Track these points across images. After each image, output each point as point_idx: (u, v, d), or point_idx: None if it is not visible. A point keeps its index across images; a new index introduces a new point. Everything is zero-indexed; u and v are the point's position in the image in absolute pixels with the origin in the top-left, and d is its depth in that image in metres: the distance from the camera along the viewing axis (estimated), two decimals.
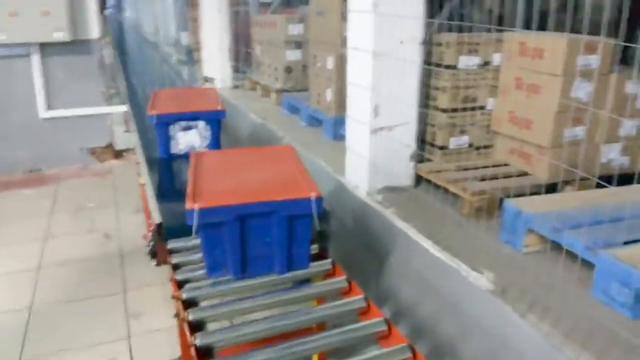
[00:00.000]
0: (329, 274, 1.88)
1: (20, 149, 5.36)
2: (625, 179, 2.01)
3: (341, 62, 3.44)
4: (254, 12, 5.65)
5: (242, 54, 5.70)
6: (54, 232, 4.11)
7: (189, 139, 2.95)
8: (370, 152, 2.41)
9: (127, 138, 5.78)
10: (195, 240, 2.05)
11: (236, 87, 5.52)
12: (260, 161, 2.07)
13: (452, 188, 2.26)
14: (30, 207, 4.70)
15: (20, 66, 5.12)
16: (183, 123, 2.91)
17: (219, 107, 3.03)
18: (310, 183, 1.78)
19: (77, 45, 5.23)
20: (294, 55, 4.62)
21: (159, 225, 2.18)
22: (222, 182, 1.81)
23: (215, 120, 2.98)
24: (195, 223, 1.60)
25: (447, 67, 2.44)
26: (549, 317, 1.45)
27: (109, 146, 5.87)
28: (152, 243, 2.16)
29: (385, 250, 2.18)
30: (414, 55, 2.34)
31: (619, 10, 2.09)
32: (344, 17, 3.90)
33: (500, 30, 2.46)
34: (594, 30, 2.16)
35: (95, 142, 5.77)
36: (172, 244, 2.05)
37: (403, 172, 2.49)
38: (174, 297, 1.77)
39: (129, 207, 4.52)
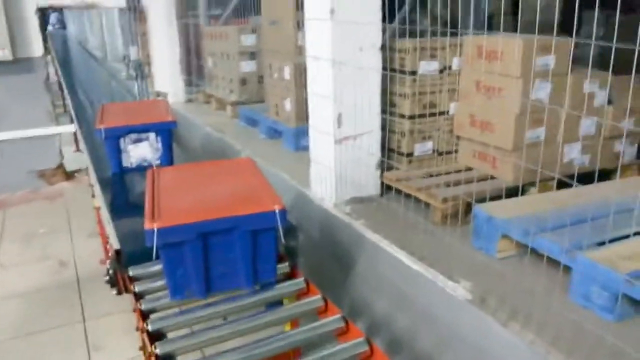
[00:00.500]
0: (302, 294, 1.81)
1: None
2: (586, 177, 2.03)
3: (298, 71, 3.39)
4: (204, 23, 5.54)
5: (194, 67, 5.58)
6: (2, 262, 3.88)
7: (140, 151, 2.91)
8: (335, 162, 2.36)
9: (77, 158, 5.55)
10: (158, 266, 1.94)
11: (190, 100, 5.39)
12: (220, 175, 2.01)
13: (420, 196, 2.23)
14: None
15: None
16: (133, 136, 2.87)
17: (169, 118, 3.00)
18: (273, 195, 1.74)
19: (19, 64, 4.99)
20: (248, 66, 4.54)
21: (118, 252, 2.06)
22: (181, 199, 1.74)
23: (167, 131, 2.94)
24: (155, 244, 1.54)
25: (408, 73, 2.42)
26: (531, 324, 1.42)
27: (59, 167, 5.63)
28: (111, 271, 2.03)
29: (357, 263, 2.13)
30: (374, 62, 2.31)
31: (567, 10, 2.10)
32: (298, 25, 3.86)
33: (454, 34, 2.47)
34: (547, 31, 2.18)
35: (44, 164, 5.52)
36: (133, 271, 1.94)
37: (370, 181, 2.44)
38: (139, 329, 1.67)
39: (83, 231, 4.33)
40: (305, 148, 3.47)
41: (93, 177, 3.06)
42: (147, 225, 1.54)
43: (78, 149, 5.64)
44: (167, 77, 5.26)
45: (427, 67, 2.45)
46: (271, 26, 4.17)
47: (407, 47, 2.42)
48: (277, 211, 1.65)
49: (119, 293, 2.03)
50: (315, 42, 2.36)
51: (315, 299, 1.71)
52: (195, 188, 1.87)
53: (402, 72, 2.44)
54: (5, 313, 3.18)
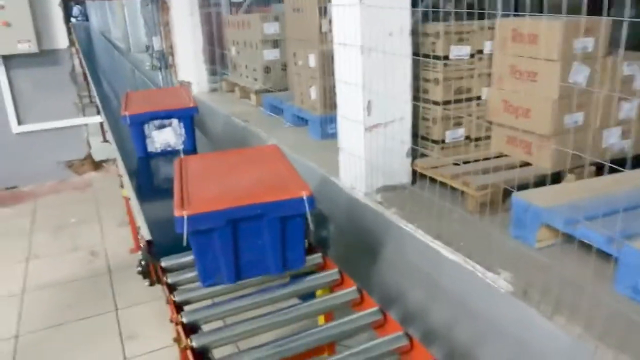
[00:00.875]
0: (336, 285, 1.78)
1: None
2: (626, 163, 1.96)
3: (324, 59, 3.35)
4: (226, 12, 5.51)
5: (217, 56, 5.56)
6: (36, 253, 3.93)
7: (164, 137, 2.98)
8: (365, 150, 2.32)
9: (105, 148, 5.60)
10: (190, 256, 1.93)
11: (213, 90, 5.39)
12: (247, 163, 2.01)
13: (453, 184, 2.18)
14: (9, 226, 4.51)
15: None
16: (157, 122, 2.94)
17: (191, 104, 3.04)
18: (300, 182, 1.73)
19: (45, 57, 5.02)
20: (271, 54, 4.51)
21: (149, 243, 2.06)
22: (209, 187, 1.75)
23: (189, 117, 2.99)
24: (185, 231, 1.54)
25: (439, 58, 2.36)
26: (578, 317, 1.37)
27: (87, 158, 5.68)
28: (143, 262, 2.03)
29: (389, 253, 2.10)
30: (404, 48, 2.26)
31: None
32: (322, 12, 3.81)
33: (482, 17, 2.39)
34: (574, 12, 2.09)
35: (72, 154, 5.57)
36: (165, 262, 1.93)
37: (400, 169, 2.40)
38: (173, 321, 1.66)
39: (112, 220, 4.36)
40: (332, 136, 3.44)
41: (122, 168, 3.07)
42: (177, 212, 1.54)
43: (105, 140, 5.68)
44: (190, 66, 5.26)
45: (458, 51, 2.38)
46: (294, 13, 4.12)
47: (438, 31, 2.36)
48: (305, 198, 1.63)
49: (151, 284, 2.03)
50: (343, 28, 2.31)
51: (350, 291, 1.68)
52: (223, 176, 1.87)
53: (433, 57, 2.38)
54: (38, 303, 3.23)
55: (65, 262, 3.71)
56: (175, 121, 2.98)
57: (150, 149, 2.97)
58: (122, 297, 3.17)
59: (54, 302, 3.22)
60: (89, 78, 6.32)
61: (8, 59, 4.90)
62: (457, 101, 2.41)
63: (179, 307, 1.70)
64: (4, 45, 4.68)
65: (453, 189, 2.21)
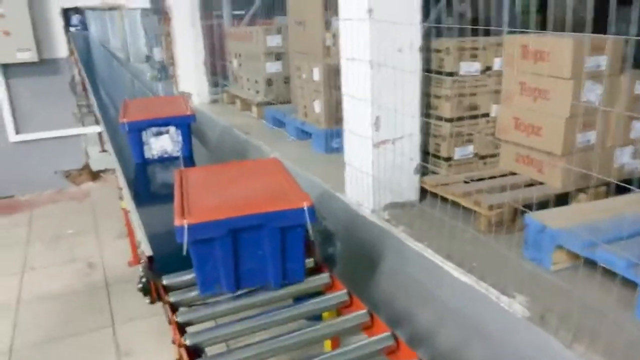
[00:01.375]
0: (345, 307, 1.73)
1: None
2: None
3: (328, 72, 3.31)
4: (228, 24, 5.49)
5: (218, 68, 5.53)
6: (32, 264, 3.87)
7: (161, 144, 3.04)
8: (373, 167, 2.28)
9: (103, 158, 5.55)
10: (193, 274, 1.88)
11: (214, 101, 5.35)
12: (247, 174, 2.02)
13: (464, 202, 2.14)
14: (4, 237, 4.45)
15: None
16: (154, 129, 3.01)
17: (188, 112, 3.11)
18: (300, 193, 1.73)
19: (44, 66, 4.99)
20: (274, 67, 4.48)
21: (150, 259, 2.00)
22: (209, 197, 1.76)
23: (186, 125, 3.07)
24: (185, 240, 1.55)
25: (448, 74, 2.33)
26: (598, 346, 1.32)
27: (85, 167, 5.63)
28: (143, 279, 1.97)
29: (398, 273, 2.04)
30: (413, 63, 2.22)
31: (597, 7, 1.96)
32: (326, 26, 3.79)
33: (487, 34, 2.37)
34: (578, 29, 2.07)
35: (70, 164, 5.53)
36: (167, 280, 1.87)
37: (408, 186, 2.36)
38: (176, 342, 1.60)
39: (110, 232, 4.31)
40: (336, 150, 3.40)
41: (121, 180, 3.02)
42: (177, 222, 1.55)
43: (103, 149, 5.63)
44: (191, 77, 5.22)
45: (468, 67, 2.35)
46: (298, 27, 4.09)
47: (447, 47, 2.33)
48: (305, 208, 1.63)
49: (152, 302, 1.97)
50: (351, 43, 2.27)
51: (359, 314, 1.62)
52: (223, 187, 1.88)
53: (442, 73, 2.34)
54: (34, 316, 3.16)
55: (62, 274, 3.65)
56: (172, 128, 3.03)
57: (147, 155, 3.02)
58: (119, 312, 3.10)
59: (49, 315, 3.15)
60: (88, 87, 6.28)
61: (7, 68, 4.87)
62: (467, 118, 2.37)
63: (181, 328, 1.64)
64: (3, 53, 4.65)
65: (463, 207, 2.16)
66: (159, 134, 3.03)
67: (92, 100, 5.37)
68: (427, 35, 2.36)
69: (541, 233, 1.75)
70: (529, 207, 1.89)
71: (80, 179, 5.57)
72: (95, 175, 5.68)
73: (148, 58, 7.59)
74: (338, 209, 2.54)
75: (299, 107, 3.72)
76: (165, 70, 6.37)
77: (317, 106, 3.42)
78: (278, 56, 4.46)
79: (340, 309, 1.76)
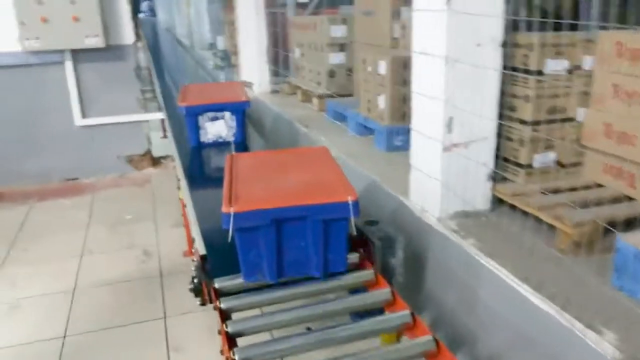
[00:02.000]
0: (408, 329, 1.58)
1: (57, 157, 5.22)
2: None
3: (395, 66, 3.14)
4: (292, 13, 5.38)
5: (280, 58, 5.44)
6: (90, 248, 3.92)
7: (216, 128, 3.11)
8: (442, 171, 2.10)
9: (165, 145, 5.59)
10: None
11: (275, 91, 5.27)
12: (295, 163, 2.02)
13: (542, 216, 1.93)
14: (67, 219, 4.54)
15: (54, 74, 4.98)
16: (210, 114, 3.08)
17: (243, 98, 3.15)
18: (346, 186, 1.72)
19: (110, 51, 5.05)
20: (337, 58, 4.33)
21: (203, 258, 1.92)
22: (257, 185, 1.79)
23: (241, 111, 3.12)
24: (230, 227, 1.58)
25: (531, 72, 2.11)
26: None
27: (147, 153, 5.69)
28: (195, 280, 1.89)
29: (466, 293, 1.87)
30: (493, 60, 2.03)
31: None
32: (394, 16, 3.60)
33: (574, 28, 2.13)
34: None
35: (133, 149, 5.60)
36: (219, 283, 1.78)
37: (479, 194, 2.17)
38: (224, 354, 1.50)
39: (168, 219, 4.31)
40: (399, 148, 3.23)
41: (179, 170, 2.98)
42: (224, 209, 1.58)
43: (165, 136, 5.68)
44: (253, 67, 5.16)
45: (554, 66, 2.12)
46: (364, 17, 3.93)
47: (532, 42, 2.11)
48: (350, 202, 1.62)
49: (203, 304, 1.89)
50: (425, 35, 2.10)
51: (424, 341, 1.47)
52: (271, 175, 1.90)
53: (525, 71, 2.13)
54: (88, 303, 3.18)
55: (118, 260, 3.67)
56: (227, 114, 3.09)
57: (202, 139, 3.10)
58: (172, 304, 3.07)
59: (103, 303, 3.16)
60: (153, 73, 6.35)
61: (76, 53, 4.95)
62: (549, 121, 2.15)
63: (231, 339, 1.54)
64: (72, 39, 4.72)
65: (540, 221, 1.96)
66: (215, 118, 3.10)
67: (156, 86, 5.42)
68: (507, 29, 2.15)
69: (636, 259, 1.53)
70: (619, 226, 1.68)
71: (142, 165, 5.63)
72: (156, 162, 5.73)
73: (212, 46, 7.61)
74: (399, 214, 2.38)
75: (361, 101, 3.56)
76: (228, 59, 6.35)
77: (382, 101, 3.25)
78: (342, 47, 4.31)
79: (401, 331, 1.61)
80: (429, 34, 2.06)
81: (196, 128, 3.10)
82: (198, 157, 3.10)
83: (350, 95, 4.22)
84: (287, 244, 1.68)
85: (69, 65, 4.98)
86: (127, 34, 5.13)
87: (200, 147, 3.10)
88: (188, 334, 2.80)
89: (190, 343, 2.72)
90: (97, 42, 4.76)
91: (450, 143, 2.08)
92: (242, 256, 1.70)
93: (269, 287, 1.76)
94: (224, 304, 1.69)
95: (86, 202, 4.85)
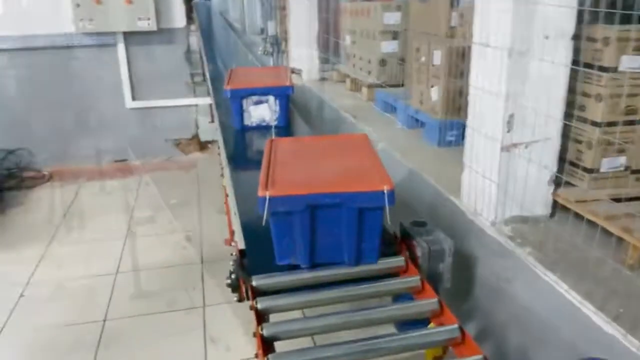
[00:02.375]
0: (456, 344, 1.46)
1: (107, 139, 5.31)
2: None
3: (451, 57, 2.98)
4: None
5: (330, 44, 5.32)
6: (134, 231, 3.95)
7: (260, 112, 3.14)
8: (499, 173, 1.96)
9: (212, 129, 5.60)
10: (286, 277, 1.71)
11: (323, 79, 5.16)
12: (335, 150, 2.02)
13: (609, 226, 1.76)
14: (114, 200, 4.61)
15: (107, 56, 5.04)
16: (254, 97, 3.10)
17: (287, 83, 3.16)
18: (383, 175, 1.69)
19: (162, 35, 5.07)
20: (390, 46, 4.18)
21: (242, 253, 1.85)
22: (294, 171, 1.81)
23: (284, 95, 3.12)
24: (265, 211, 1.59)
25: (604, 69, 1.92)
26: None
27: (194, 137, 5.71)
28: (233, 275, 1.83)
29: (520, 307, 1.73)
30: (562, 54, 1.85)
31: None
32: (453, 3, 3.42)
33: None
34: None
35: (180, 133, 5.63)
36: (257, 281, 1.71)
37: (538, 199, 2.01)
38: (257, 358, 1.43)
39: (212, 206, 4.30)
40: (450, 144, 3.08)
41: (224, 159, 2.94)
42: (260, 192, 1.60)
43: (212, 120, 5.68)
44: (302, 53, 5.07)
45: (631, 63, 1.92)
46: (420, 4, 3.76)
47: (606, 36, 1.92)
48: (385, 191, 1.60)
49: (240, 300, 1.82)
50: (488, 25, 1.94)
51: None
52: (309, 161, 1.92)
53: (597, 67, 1.94)
54: (130, 286, 3.20)
55: (161, 244, 3.68)
56: (271, 98, 3.10)
57: (246, 122, 3.13)
58: (211, 293, 3.05)
59: (144, 288, 3.17)
60: (204, 57, 6.35)
61: (128, 36, 4.99)
62: (621, 123, 1.96)
63: (267, 344, 1.46)
64: (125, 22, 4.75)
65: (605, 231, 1.79)
66: (259, 102, 3.13)
67: (206, 70, 5.42)
68: (580, 21, 1.97)
69: None
70: None
71: (189, 149, 5.66)
72: (203, 146, 5.75)
73: (262, 31, 7.56)
74: (449, 216, 2.25)
75: (413, 93, 3.42)
76: (278, 45, 6.28)
77: (435, 93, 3.10)
78: (395, 35, 4.16)
79: (448, 346, 1.49)
80: (492, 23, 1.90)
81: (240, 111, 3.13)
82: (242, 142, 3.11)
83: (400, 85, 4.07)
84: (321, 229, 1.68)
85: (121, 47, 5.02)
86: (178, 18, 5.14)
87: (243, 130, 3.14)
88: (226, 325, 2.76)
89: (228, 335, 2.68)
90: (149, 25, 4.78)
91: (510, 142, 1.92)
92: (276, 239, 1.72)
93: (308, 287, 1.68)
94: (260, 304, 1.61)
95: (133, 184, 4.90)
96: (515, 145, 1.93)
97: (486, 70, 1.96)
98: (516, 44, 1.81)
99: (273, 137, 2.14)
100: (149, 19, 4.71)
